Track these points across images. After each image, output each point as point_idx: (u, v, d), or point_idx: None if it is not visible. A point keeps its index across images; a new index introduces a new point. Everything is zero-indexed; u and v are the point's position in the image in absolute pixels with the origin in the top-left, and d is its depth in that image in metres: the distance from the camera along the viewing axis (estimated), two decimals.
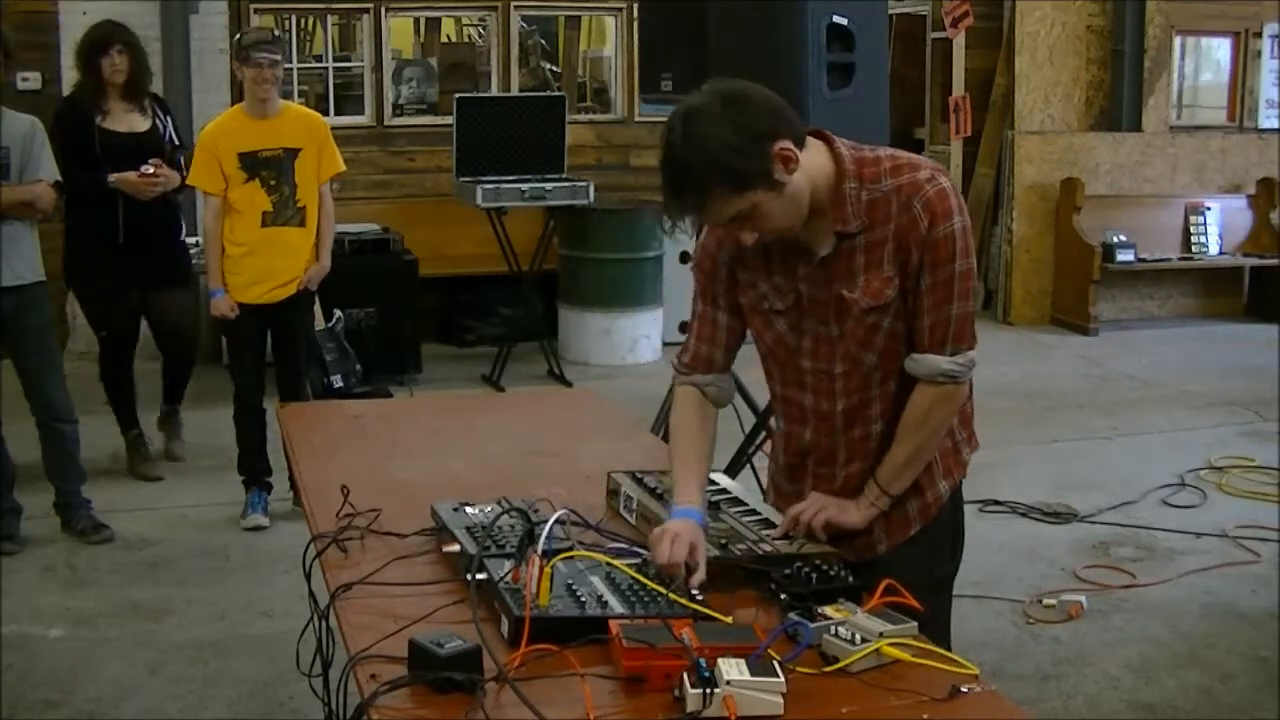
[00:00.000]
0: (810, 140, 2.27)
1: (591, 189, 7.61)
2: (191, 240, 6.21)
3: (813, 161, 2.24)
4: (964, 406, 2.44)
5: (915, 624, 1.97)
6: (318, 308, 6.23)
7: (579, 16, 10.43)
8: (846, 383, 2.36)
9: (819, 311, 2.33)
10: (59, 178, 5.01)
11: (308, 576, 2.48)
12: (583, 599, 1.99)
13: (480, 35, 10.61)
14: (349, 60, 9.64)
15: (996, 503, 5.54)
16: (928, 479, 2.42)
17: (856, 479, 2.42)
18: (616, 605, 1.98)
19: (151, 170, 5.46)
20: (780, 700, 1.75)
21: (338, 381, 6.75)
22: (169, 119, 5.79)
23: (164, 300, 5.81)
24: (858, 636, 1.90)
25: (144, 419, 6.00)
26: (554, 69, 11.12)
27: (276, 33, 5.62)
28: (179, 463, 6.02)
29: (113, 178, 5.44)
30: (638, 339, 8.11)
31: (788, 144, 2.16)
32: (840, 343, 2.33)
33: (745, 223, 2.21)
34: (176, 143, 5.73)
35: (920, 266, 2.26)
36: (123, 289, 5.71)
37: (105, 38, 5.54)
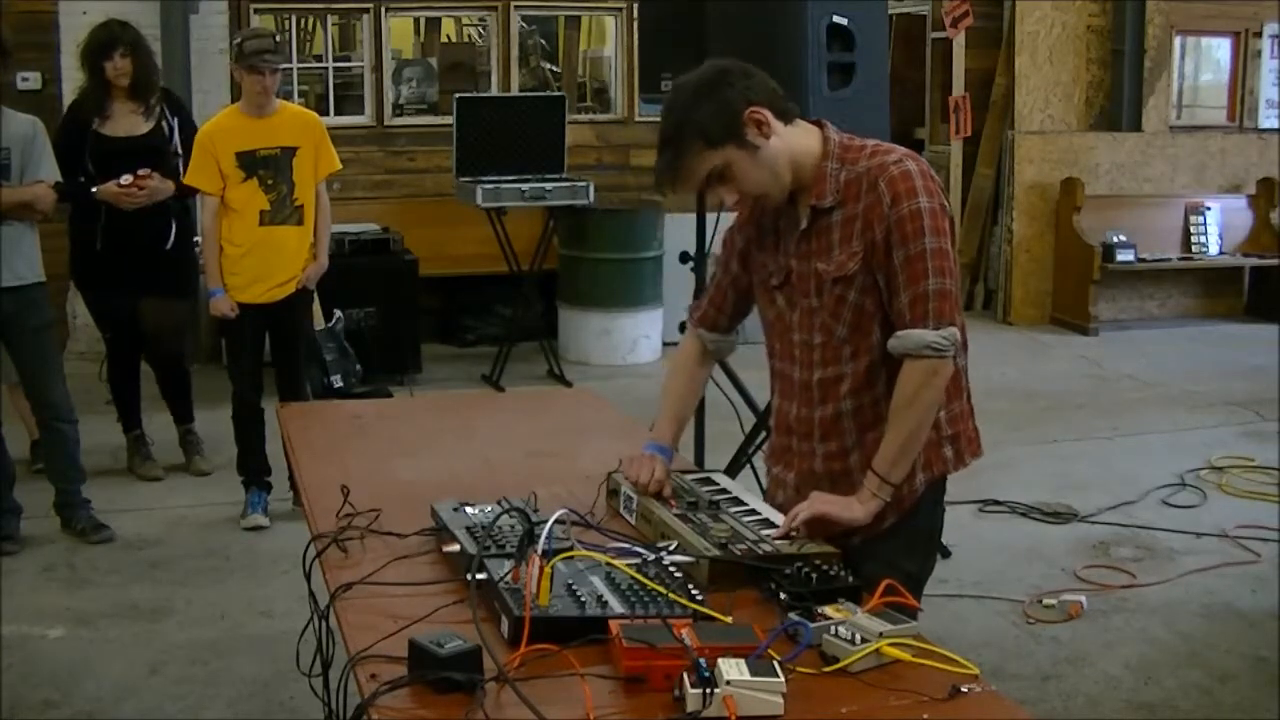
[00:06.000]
0: (803, 123, 2.47)
1: (591, 189, 7.62)
2: (197, 241, 6.11)
3: (798, 139, 2.43)
4: (954, 404, 2.48)
5: (915, 624, 1.97)
6: (317, 307, 6.22)
7: (579, 16, 10.43)
8: (823, 353, 2.48)
9: (804, 285, 2.48)
10: (60, 178, 5.00)
11: (308, 576, 2.47)
12: (583, 599, 1.99)
13: (480, 35, 10.61)
14: (349, 60, 9.63)
15: (996, 503, 5.54)
16: None
17: (836, 459, 2.49)
18: (616, 605, 1.98)
19: (129, 181, 5.34)
20: (780, 700, 1.75)
21: (338, 381, 6.75)
22: (178, 119, 5.64)
23: (152, 308, 5.72)
24: (858, 636, 1.90)
25: (146, 419, 5.99)
26: (554, 69, 11.11)
27: (277, 37, 5.55)
28: (196, 471, 5.94)
29: (95, 189, 5.37)
30: (637, 339, 8.11)
31: (760, 110, 2.36)
32: (819, 313, 2.47)
33: (721, 182, 2.40)
34: (179, 152, 5.51)
35: (888, 244, 2.36)
36: (121, 292, 5.66)
37: (109, 41, 5.42)
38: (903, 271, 2.35)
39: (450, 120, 7.69)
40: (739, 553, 2.22)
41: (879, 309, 2.40)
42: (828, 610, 1.98)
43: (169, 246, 5.66)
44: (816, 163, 2.42)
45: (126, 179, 5.36)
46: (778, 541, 2.30)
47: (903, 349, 2.37)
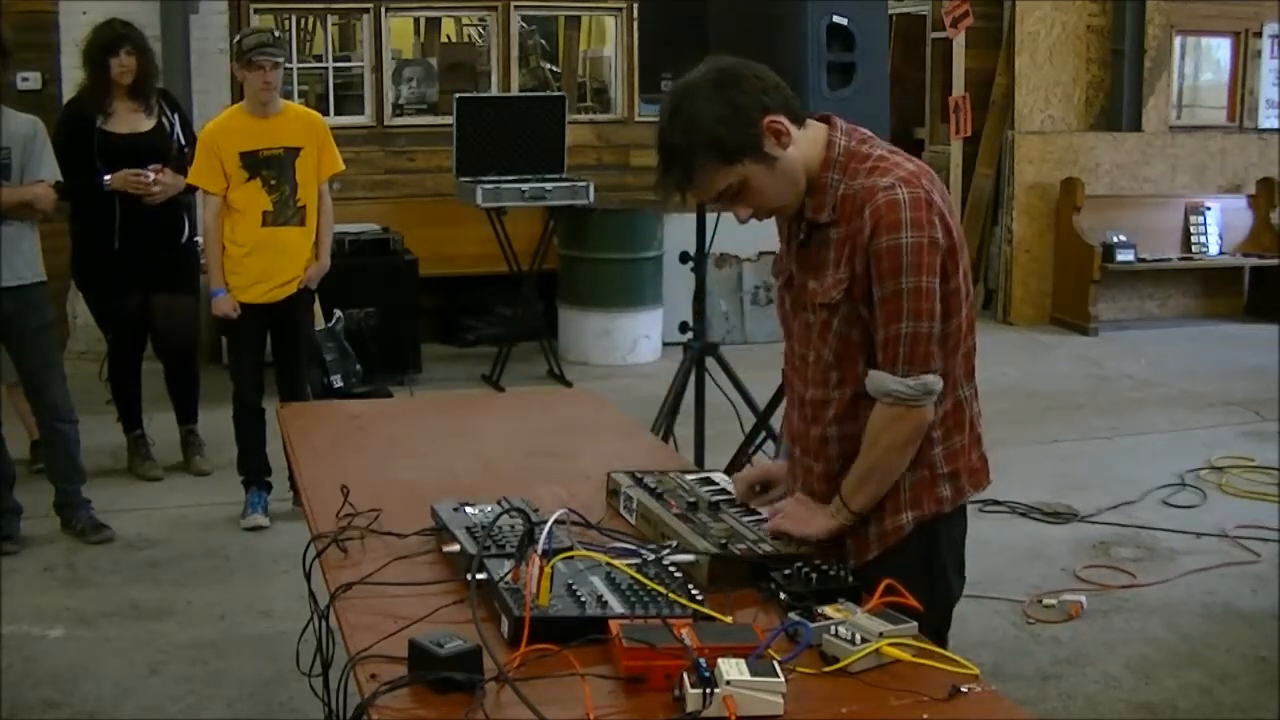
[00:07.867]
0: (813, 123, 2.29)
1: (591, 189, 7.62)
2: (198, 239, 6.13)
3: (807, 143, 2.26)
4: (953, 439, 2.34)
5: (915, 624, 1.97)
6: (318, 307, 6.22)
7: (579, 16, 10.43)
8: (813, 372, 2.34)
9: (801, 296, 2.35)
10: (60, 178, 5.00)
11: (308, 576, 2.47)
12: (583, 599, 1.99)
13: (480, 35, 10.61)
14: (349, 60, 9.63)
15: (996, 503, 5.54)
16: (891, 505, 2.31)
17: (821, 481, 2.37)
18: (616, 605, 1.98)
19: (152, 178, 5.40)
20: (780, 700, 1.75)
21: (338, 381, 6.75)
22: (176, 116, 5.71)
23: (164, 304, 5.76)
24: (858, 636, 1.90)
25: (147, 419, 5.99)
26: (554, 69, 11.12)
27: (276, 33, 5.56)
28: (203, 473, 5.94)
29: (108, 178, 5.40)
30: (637, 339, 8.11)
31: (779, 118, 2.19)
32: (810, 331, 2.33)
33: (736, 198, 2.23)
34: (183, 143, 5.60)
35: (868, 276, 2.19)
36: (125, 291, 5.68)
37: (115, 39, 5.45)
38: (880, 309, 2.19)
39: (450, 120, 7.69)
40: (739, 552, 2.22)
41: (866, 340, 2.24)
42: (828, 610, 1.98)
43: (184, 241, 5.74)
44: (819, 170, 2.25)
45: (149, 174, 5.40)
46: (777, 541, 2.30)
47: (869, 389, 2.24)
